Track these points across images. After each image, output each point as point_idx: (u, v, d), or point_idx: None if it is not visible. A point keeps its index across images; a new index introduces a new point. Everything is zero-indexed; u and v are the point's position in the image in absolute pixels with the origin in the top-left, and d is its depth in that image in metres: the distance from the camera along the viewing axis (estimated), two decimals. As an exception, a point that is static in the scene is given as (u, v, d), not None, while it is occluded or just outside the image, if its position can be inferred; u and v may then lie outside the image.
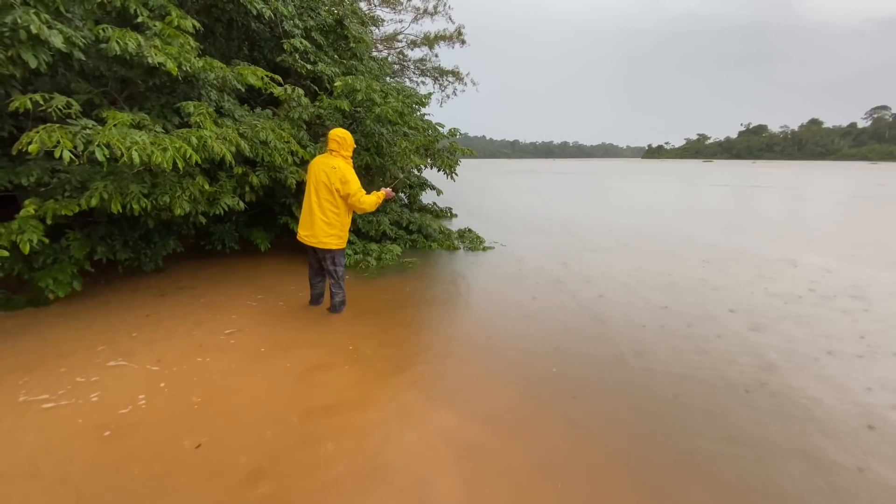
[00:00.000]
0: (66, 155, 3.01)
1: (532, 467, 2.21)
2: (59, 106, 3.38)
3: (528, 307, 4.51)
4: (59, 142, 3.04)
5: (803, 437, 2.49)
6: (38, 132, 3.07)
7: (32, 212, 3.53)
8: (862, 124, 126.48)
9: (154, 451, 2.23)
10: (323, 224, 3.70)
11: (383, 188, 4.03)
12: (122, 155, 3.20)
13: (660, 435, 2.50)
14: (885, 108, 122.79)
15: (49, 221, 3.59)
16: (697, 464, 2.27)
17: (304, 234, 3.79)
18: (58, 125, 3.19)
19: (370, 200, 3.76)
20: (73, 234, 4.27)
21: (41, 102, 3.34)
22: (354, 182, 3.71)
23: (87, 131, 3.24)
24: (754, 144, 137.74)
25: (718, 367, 3.31)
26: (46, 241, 3.58)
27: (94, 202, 3.53)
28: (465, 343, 3.64)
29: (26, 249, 3.39)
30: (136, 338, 3.53)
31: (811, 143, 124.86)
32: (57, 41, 3.54)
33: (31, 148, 3.00)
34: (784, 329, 4.04)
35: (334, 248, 3.79)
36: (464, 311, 4.41)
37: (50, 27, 3.56)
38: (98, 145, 3.11)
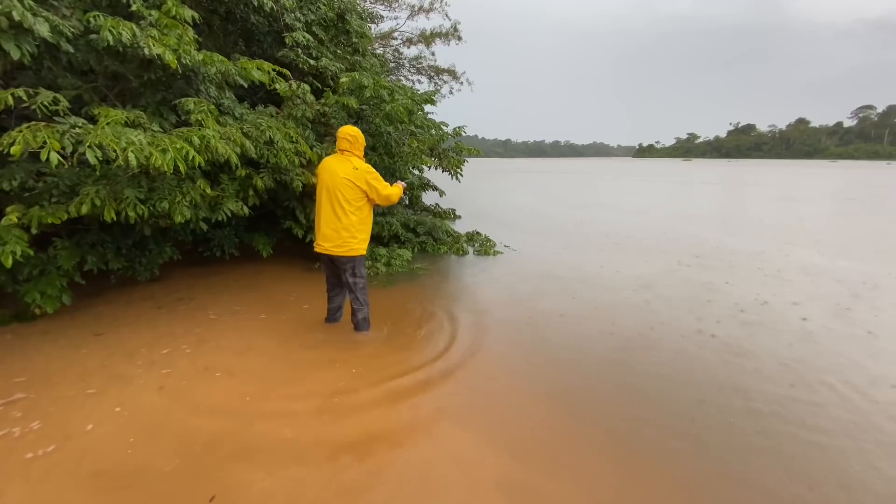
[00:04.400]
0: (54, 157, 2.66)
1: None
2: (45, 102, 3.03)
3: (555, 319, 4.22)
4: (45, 142, 2.69)
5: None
6: (21, 132, 2.71)
7: (15, 220, 3.16)
8: (848, 124, 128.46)
9: (161, 504, 1.91)
10: (349, 230, 3.40)
11: (398, 182, 3.78)
12: (117, 157, 2.86)
13: (723, 466, 2.23)
14: (870, 107, 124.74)
15: (34, 230, 3.23)
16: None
17: (328, 244, 3.42)
18: (44, 124, 2.83)
19: (398, 193, 3.62)
20: (61, 242, 3.90)
21: (24, 98, 2.98)
22: (381, 179, 3.52)
23: (77, 130, 2.89)
24: (743, 143, 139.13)
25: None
26: (31, 252, 3.22)
27: (84, 209, 3.18)
28: (495, 362, 3.34)
29: (8, 262, 3.03)
30: (133, 359, 3.19)
31: (798, 143, 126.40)
32: (43, 30, 3.18)
33: (14, 150, 2.64)
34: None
35: (357, 254, 3.47)
36: (486, 324, 4.08)
37: (35, 14, 3.21)
38: (89, 146, 2.76)
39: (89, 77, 4.14)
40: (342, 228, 3.38)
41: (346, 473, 2.11)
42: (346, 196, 3.38)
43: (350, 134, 3.46)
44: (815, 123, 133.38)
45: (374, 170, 3.49)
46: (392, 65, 18.78)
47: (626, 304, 4.67)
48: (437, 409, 2.70)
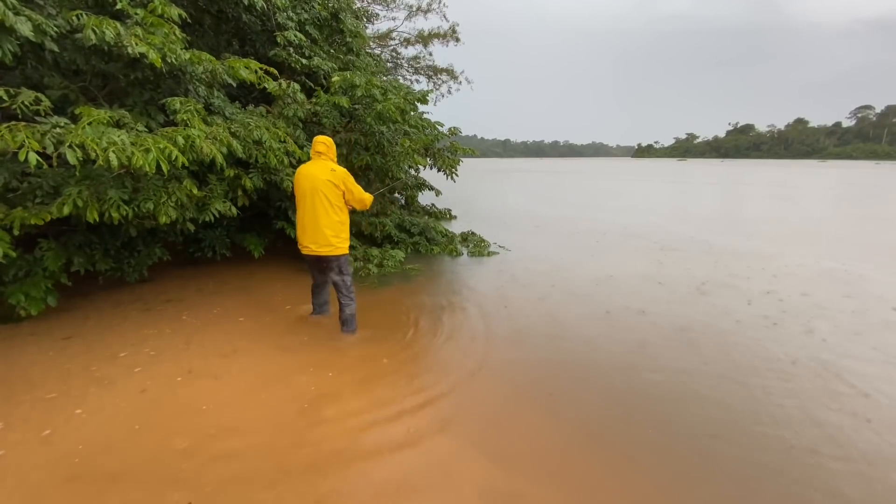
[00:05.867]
0: (32, 157, 2.62)
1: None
2: (27, 102, 3.00)
3: (547, 323, 4.19)
4: (24, 143, 2.65)
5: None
6: (-1, 131, 2.68)
7: (-3, 221, 3.13)
8: (846, 124, 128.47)
9: (135, 510, 1.88)
10: (332, 229, 3.50)
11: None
12: (98, 157, 2.82)
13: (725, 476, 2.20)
14: (868, 107, 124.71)
15: (16, 231, 3.19)
16: None
17: (313, 245, 3.52)
18: (24, 124, 2.80)
19: (371, 198, 3.79)
20: (47, 243, 3.86)
21: (5, 98, 2.94)
22: (356, 182, 3.69)
23: (58, 130, 2.86)
24: (742, 143, 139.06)
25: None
26: (13, 254, 3.18)
27: (66, 210, 3.14)
28: (485, 366, 3.29)
29: (-10, 264, 3.00)
30: (116, 362, 3.15)
31: (797, 143, 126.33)
32: (24, 29, 3.14)
33: (-8, 149, 2.61)
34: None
35: (343, 252, 3.58)
36: (477, 327, 4.04)
37: (17, 13, 3.17)
38: (69, 146, 2.73)
39: (79, 77, 4.11)
40: (325, 227, 3.47)
41: (325, 480, 2.07)
42: (329, 197, 3.47)
43: (323, 142, 3.62)
44: (813, 123, 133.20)
45: (349, 173, 3.63)
46: (390, 65, 18.75)
47: (617, 304, 4.65)
48: (421, 414, 2.66)
